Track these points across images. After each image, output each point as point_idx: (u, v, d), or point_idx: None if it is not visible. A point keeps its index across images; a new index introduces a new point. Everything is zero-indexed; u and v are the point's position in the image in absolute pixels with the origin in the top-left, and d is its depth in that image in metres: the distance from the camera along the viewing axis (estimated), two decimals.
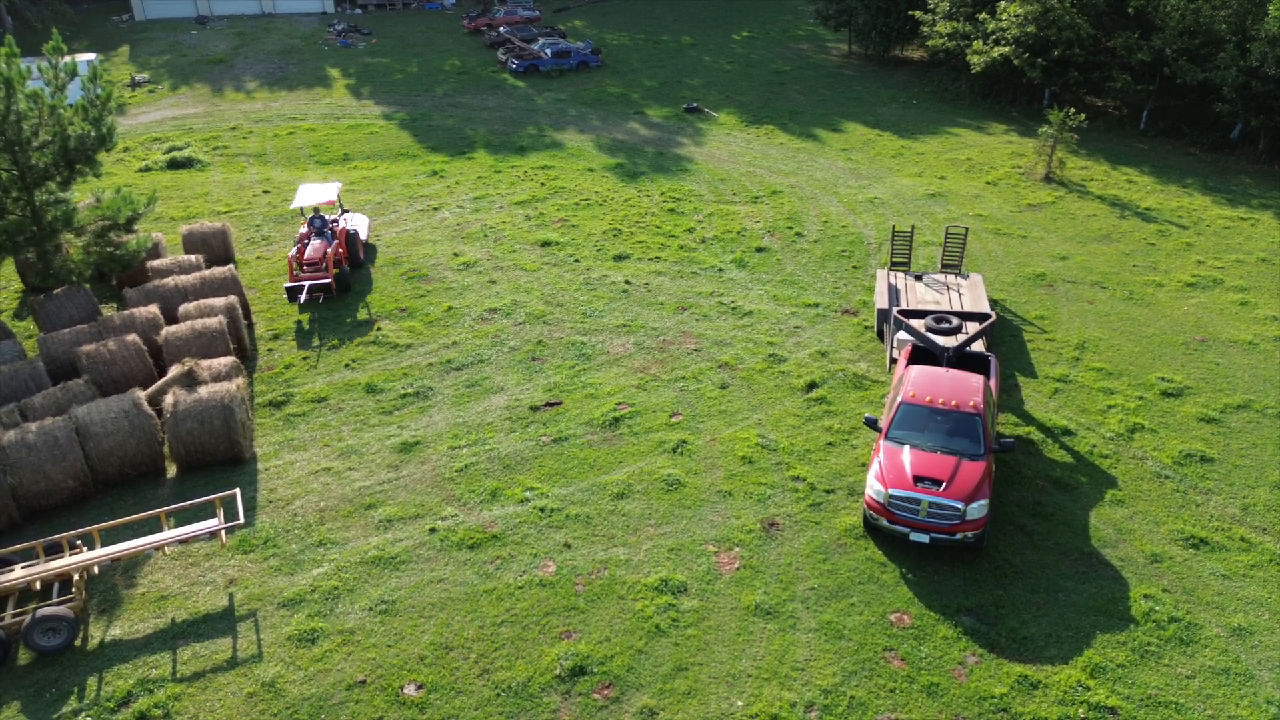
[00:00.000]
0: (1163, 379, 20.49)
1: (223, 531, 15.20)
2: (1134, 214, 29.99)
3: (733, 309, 23.74)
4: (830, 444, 18.29)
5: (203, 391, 17.67)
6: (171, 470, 17.82)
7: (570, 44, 49.84)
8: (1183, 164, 34.70)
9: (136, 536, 15.62)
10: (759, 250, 27.35)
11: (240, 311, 21.78)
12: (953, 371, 17.06)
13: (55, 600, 14.01)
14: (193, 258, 23.96)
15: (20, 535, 16.18)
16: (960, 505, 14.74)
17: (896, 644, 13.75)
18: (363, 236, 26.80)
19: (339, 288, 24.27)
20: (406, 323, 23.21)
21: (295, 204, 25.76)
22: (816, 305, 23.91)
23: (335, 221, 26.16)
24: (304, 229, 25.49)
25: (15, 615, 13.83)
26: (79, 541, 15.03)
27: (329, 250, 24.29)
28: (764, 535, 15.90)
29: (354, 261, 25.69)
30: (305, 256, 24.17)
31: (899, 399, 16.48)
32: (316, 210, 25.83)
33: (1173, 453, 18.04)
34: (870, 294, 24.40)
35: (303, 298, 23.25)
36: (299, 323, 23.27)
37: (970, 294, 22.12)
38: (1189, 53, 35.65)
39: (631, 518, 16.36)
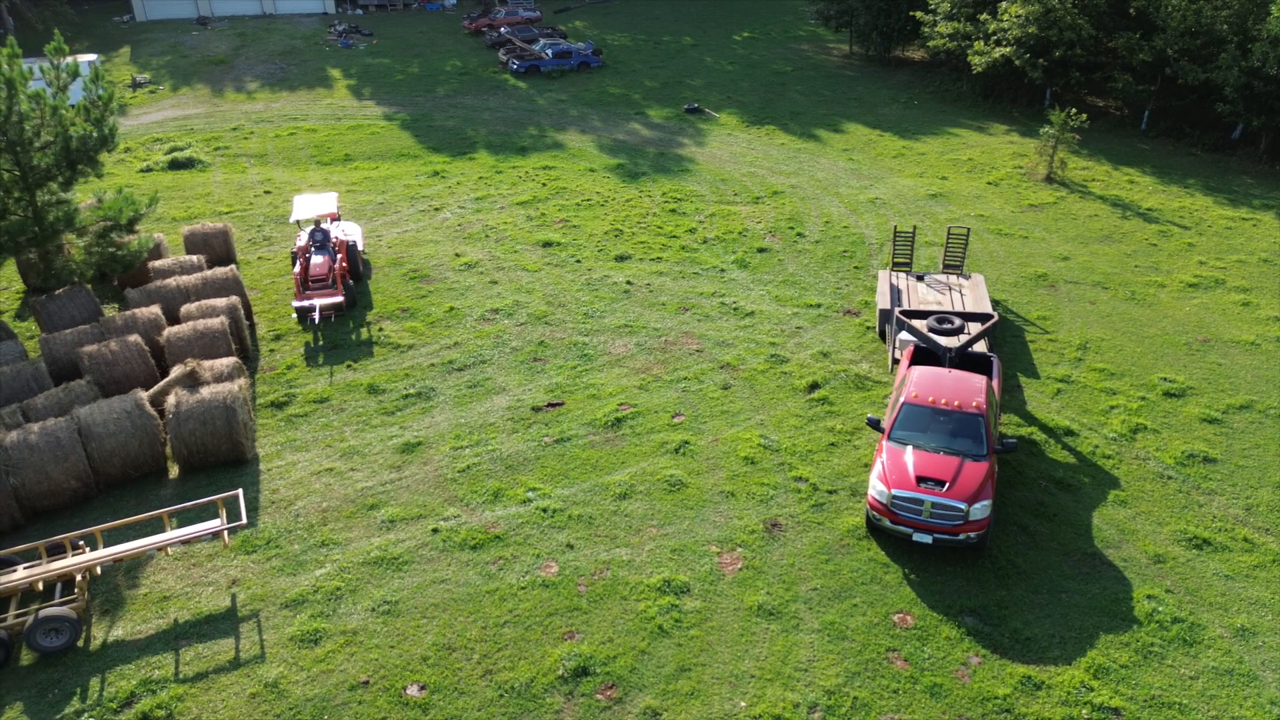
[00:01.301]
0: (1165, 379, 20.49)
1: (225, 532, 15.18)
2: (1135, 214, 29.99)
3: (734, 309, 23.73)
4: (832, 444, 18.29)
5: (205, 392, 17.67)
6: (173, 471, 17.82)
7: (571, 45, 49.85)
8: (1184, 164, 34.70)
9: (139, 537, 15.61)
10: (760, 251, 27.34)
11: (242, 312, 21.76)
12: (955, 372, 17.06)
13: (58, 601, 14.00)
14: (194, 258, 23.93)
15: (23, 536, 16.17)
16: (963, 506, 14.73)
17: (899, 645, 13.74)
18: (359, 247, 26.11)
19: (346, 303, 23.50)
20: (408, 323, 23.20)
21: (294, 217, 25.41)
22: (818, 306, 23.91)
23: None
24: (301, 242, 24.85)
25: (18, 616, 13.82)
26: (81, 542, 15.02)
27: (334, 266, 23.74)
28: (766, 536, 15.89)
29: (354, 274, 25.01)
30: (311, 273, 23.46)
31: (901, 399, 16.47)
32: (316, 223, 25.51)
33: (1175, 453, 18.04)
34: (872, 294, 24.40)
35: (316, 318, 22.55)
36: (300, 324, 23.23)
37: (972, 294, 22.11)
38: (1190, 53, 35.66)
39: (634, 518, 16.36)
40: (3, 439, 16.35)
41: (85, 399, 17.99)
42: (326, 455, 18.22)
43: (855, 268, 26.20)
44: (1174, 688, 13.10)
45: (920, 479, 15.14)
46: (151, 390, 18.40)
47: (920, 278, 23.03)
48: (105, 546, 15.15)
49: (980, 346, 19.73)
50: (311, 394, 20.21)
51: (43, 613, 13.47)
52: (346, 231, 26.16)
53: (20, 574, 14.23)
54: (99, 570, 14.79)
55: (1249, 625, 14.13)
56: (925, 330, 19.09)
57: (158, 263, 23.73)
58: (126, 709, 12.80)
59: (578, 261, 26.63)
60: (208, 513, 16.29)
